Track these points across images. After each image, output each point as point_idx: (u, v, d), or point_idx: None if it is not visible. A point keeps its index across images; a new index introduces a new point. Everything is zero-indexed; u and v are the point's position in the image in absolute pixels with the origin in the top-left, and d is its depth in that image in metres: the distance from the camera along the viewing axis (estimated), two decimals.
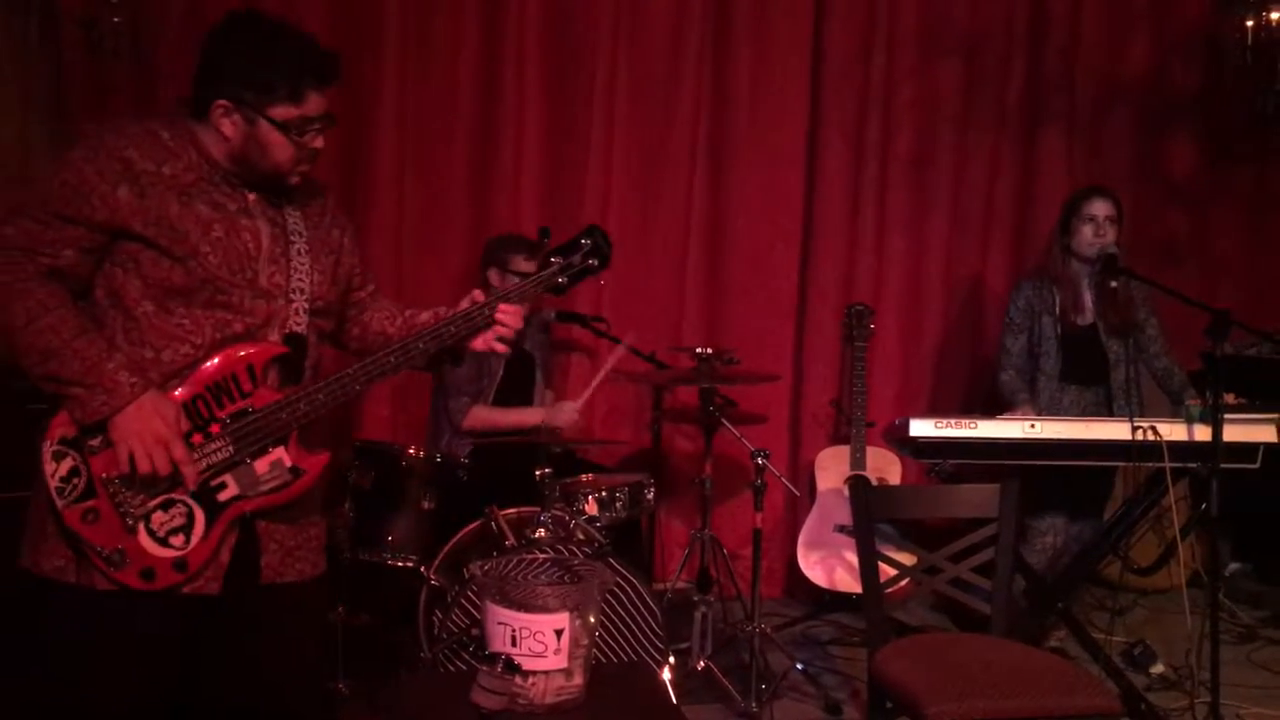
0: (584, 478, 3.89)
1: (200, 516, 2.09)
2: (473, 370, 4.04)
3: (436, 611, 3.30)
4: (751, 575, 3.82)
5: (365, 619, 3.78)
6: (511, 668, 1.82)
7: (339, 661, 3.48)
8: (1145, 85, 5.18)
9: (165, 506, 2.07)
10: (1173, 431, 3.53)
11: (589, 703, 2.11)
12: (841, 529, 4.46)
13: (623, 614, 3.29)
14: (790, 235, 4.90)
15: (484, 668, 1.81)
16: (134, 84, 4.08)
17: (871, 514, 2.97)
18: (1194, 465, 3.53)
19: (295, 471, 2.16)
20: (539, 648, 2.03)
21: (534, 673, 2.04)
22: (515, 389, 4.21)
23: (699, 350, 3.84)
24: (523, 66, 4.56)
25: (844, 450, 4.66)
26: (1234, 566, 5.13)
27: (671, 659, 3.40)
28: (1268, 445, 3.56)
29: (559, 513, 3.54)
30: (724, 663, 3.82)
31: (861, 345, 4.70)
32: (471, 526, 3.55)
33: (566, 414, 4.07)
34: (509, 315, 2.27)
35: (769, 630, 3.84)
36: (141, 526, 2.06)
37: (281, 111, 2.08)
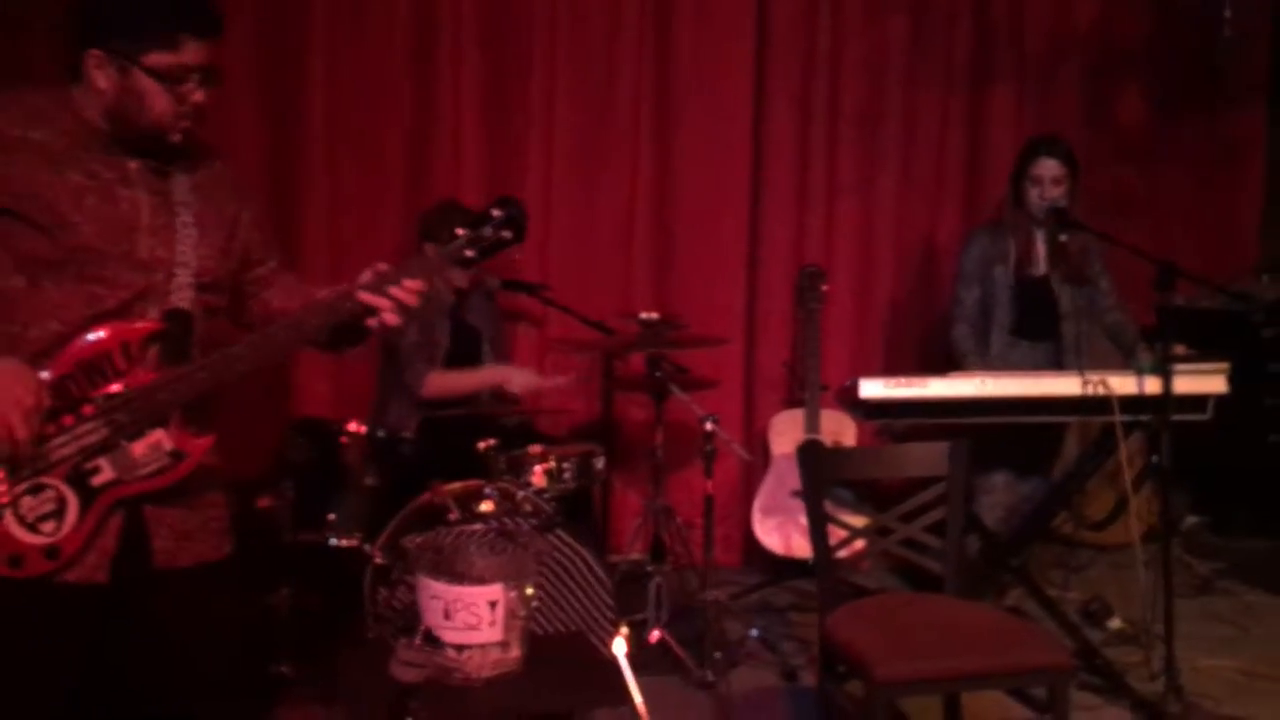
0: (532, 449, 3.80)
1: (73, 502, 1.98)
2: (420, 337, 3.95)
3: (381, 589, 3.23)
4: (704, 543, 3.76)
5: (310, 600, 3.69)
6: (431, 640, 1.74)
7: (282, 644, 3.41)
8: (1094, 37, 5.14)
9: (34, 491, 1.96)
10: (1123, 385, 3.50)
11: (528, 674, 2.05)
12: (797, 494, 4.40)
13: (573, 586, 3.23)
14: (739, 198, 4.83)
15: (403, 640, 1.74)
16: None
17: (820, 477, 2.92)
18: (1145, 418, 3.51)
19: (176, 455, 2.04)
20: (473, 620, 1.97)
21: (469, 646, 1.97)
22: (461, 362, 4.12)
23: (644, 316, 3.77)
24: (459, 30, 4.46)
25: (798, 414, 4.60)
26: (1191, 520, 5.14)
27: (625, 631, 3.35)
28: (1218, 396, 3.54)
29: (505, 485, 3.47)
30: (681, 633, 3.77)
31: (814, 308, 4.64)
32: (416, 502, 3.46)
33: (526, 376, 4.00)
34: (407, 291, 2.13)
35: (724, 599, 3.80)
36: (9, 513, 1.94)
37: (156, 59, 1.97)
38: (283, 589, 3.46)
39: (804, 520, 4.33)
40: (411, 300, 2.13)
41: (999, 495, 4.04)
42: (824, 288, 4.69)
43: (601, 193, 4.72)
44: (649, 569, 3.95)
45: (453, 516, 3.27)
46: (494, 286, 4.25)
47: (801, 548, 4.43)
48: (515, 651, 2.04)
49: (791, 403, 4.83)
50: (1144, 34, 5.19)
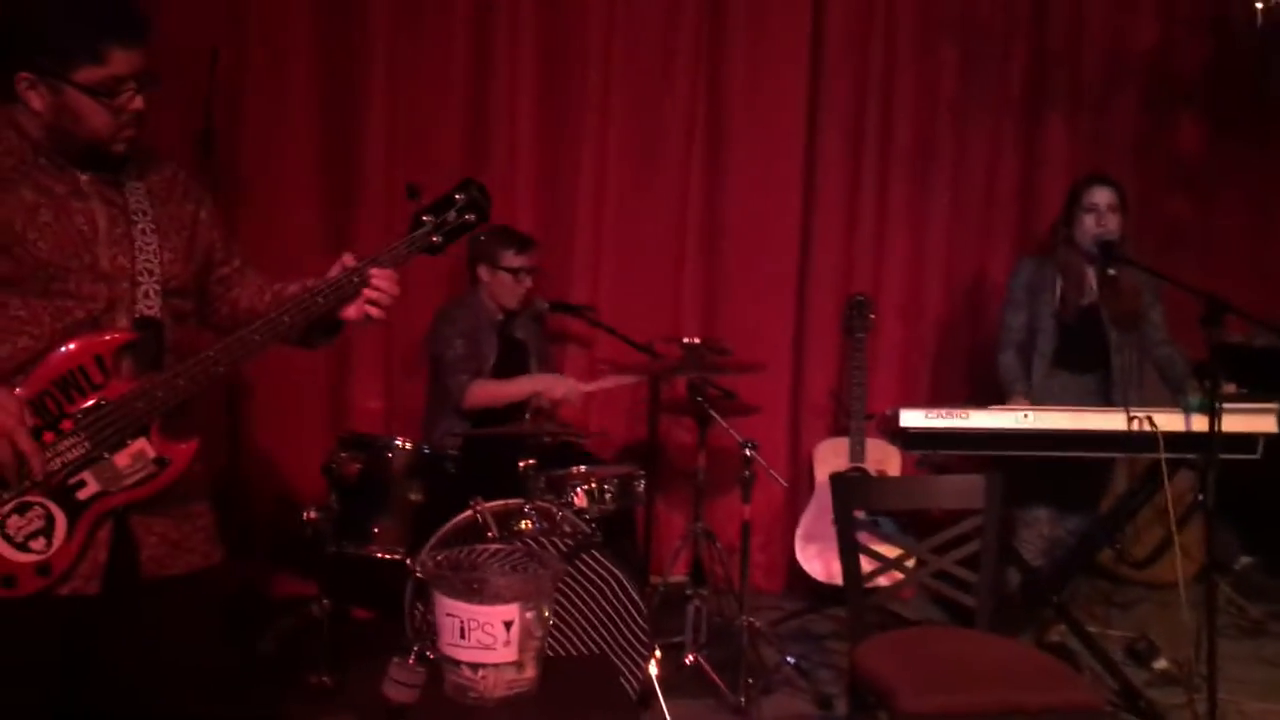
0: (575, 470, 3.85)
1: (61, 518, 2.00)
2: (467, 348, 4.02)
3: (419, 603, 3.28)
4: (740, 567, 3.77)
5: (353, 611, 3.77)
6: (424, 659, 1.78)
7: (323, 654, 3.48)
8: (1150, 68, 5.07)
9: (21, 510, 1.98)
10: (1169, 422, 3.46)
11: (542, 695, 2.08)
12: None
13: (606, 608, 3.26)
14: (789, 225, 4.83)
15: (395, 659, 1.77)
16: None
17: (850, 505, 2.93)
18: (1191, 456, 3.45)
19: (161, 463, 2.07)
20: (488, 640, 2.00)
21: (484, 665, 2.01)
22: (509, 374, 4.19)
23: (685, 340, 3.81)
24: (515, 56, 4.53)
25: (843, 442, 4.59)
26: (1244, 560, 5.03)
27: (658, 653, 3.37)
28: (1268, 435, 3.48)
29: (544, 504, 3.51)
30: (718, 657, 3.77)
31: (861, 336, 4.63)
32: (457, 519, 3.52)
33: (568, 385, 4.04)
34: (382, 281, 2.18)
35: (758, 624, 3.80)
36: None
37: (87, 75, 1.97)
38: (323, 599, 3.54)
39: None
40: (394, 289, 2.19)
41: (1041, 529, 3.99)
42: (871, 316, 4.68)
43: (652, 218, 4.76)
44: (688, 592, 3.98)
45: (490, 535, 3.34)
46: (542, 308, 4.30)
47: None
48: (530, 672, 2.07)
49: (838, 430, 4.82)
50: (1201, 65, 5.11)
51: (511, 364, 4.21)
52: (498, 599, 2.01)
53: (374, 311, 2.20)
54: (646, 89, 4.71)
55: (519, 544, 3.03)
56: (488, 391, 4.00)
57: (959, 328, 5.06)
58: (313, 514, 3.50)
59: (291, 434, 4.33)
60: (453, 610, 2.01)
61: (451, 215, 2.23)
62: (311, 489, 4.01)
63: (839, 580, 4.36)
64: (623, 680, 3.21)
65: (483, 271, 4.11)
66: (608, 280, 4.72)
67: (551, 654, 3.08)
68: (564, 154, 4.65)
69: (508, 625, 2.01)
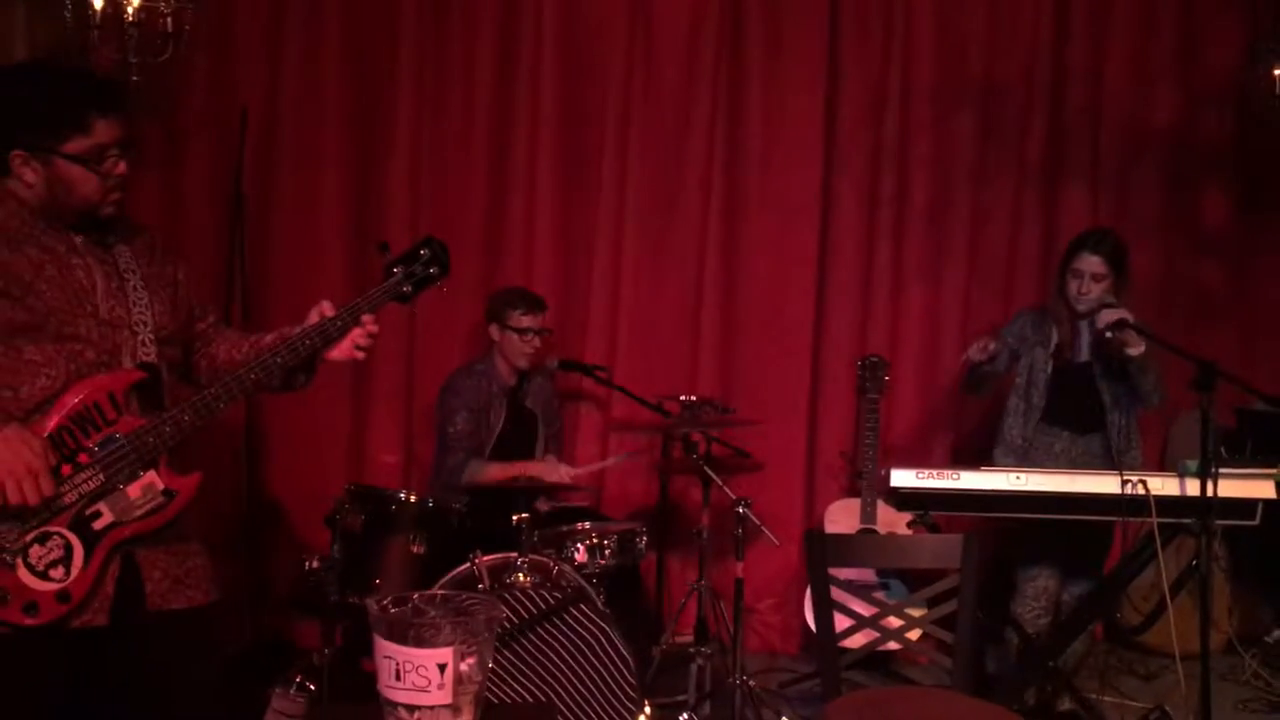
0: (579, 526, 3.92)
1: (78, 547, 2.13)
2: (469, 424, 4.14)
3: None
4: (733, 626, 3.79)
5: (355, 659, 3.83)
6: (303, 689, 1.84)
7: (325, 699, 3.55)
8: (1174, 135, 5.04)
9: (42, 540, 2.11)
10: (1164, 486, 3.42)
11: None
12: (849, 583, 4.37)
13: (594, 661, 3.29)
14: (804, 287, 4.89)
15: (277, 689, 1.83)
16: None
17: (823, 561, 2.95)
18: (1187, 521, 3.41)
19: (169, 494, 2.22)
20: (422, 682, 2.05)
21: (419, 707, 2.06)
22: (516, 444, 4.29)
23: (683, 397, 3.87)
24: (535, 120, 4.69)
25: (855, 503, 4.59)
26: (1277, 634, 4.89)
27: (647, 709, 3.38)
28: (1267, 501, 3.43)
29: (540, 558, 3.57)
30: (720, 715, 3.78)
31: (874, 397, 4.64)
32: (456, 571, 3.59)
33: (559, 473, 4.14)
34: (371, 324, 2.43)
35: (753, 683, 3.80)
36: (20, 561, 2.09)
37: (74, 145, 2.16)
38: (325, 648, 3.62)
39: (856, 609, 4.33)
40: (371, 328, 2.43)
41: (1042, 593, 3.94)
42: (885, 378, 4.69)
43: (669, 279, 4.85)
44: (691, 650, 3.99)
45: (481, 586, 3.40)
46: (553, 367, 4.40)
47: (853, 638, 4.38)
48: (466, 716, 2.12)
49: (853, 491, 4.82)
50: (1228, 133, 5.07)
51: (519, 435, 4.32)
52: (432, 642, 2.06)
53: (358, 355, 2.45)
54: (663, 150, 4.83)
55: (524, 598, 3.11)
56: (484, 472, 4.12)
57: None
58: (315, 563, 3.59)
59: (313, 486, 4.45)
60: (389, 652, 2.06)
61: (418, 268, 2.48)
62: (324, 540, 4.12)
63: (846, 642, 4.38)
64: None
65: (494, 331, 4.23)
66: (624, 340, 4.81)
67: (534, 703, 3.15)
68: (581, 215, 4.78)
69: (441, 668, 2.06)
